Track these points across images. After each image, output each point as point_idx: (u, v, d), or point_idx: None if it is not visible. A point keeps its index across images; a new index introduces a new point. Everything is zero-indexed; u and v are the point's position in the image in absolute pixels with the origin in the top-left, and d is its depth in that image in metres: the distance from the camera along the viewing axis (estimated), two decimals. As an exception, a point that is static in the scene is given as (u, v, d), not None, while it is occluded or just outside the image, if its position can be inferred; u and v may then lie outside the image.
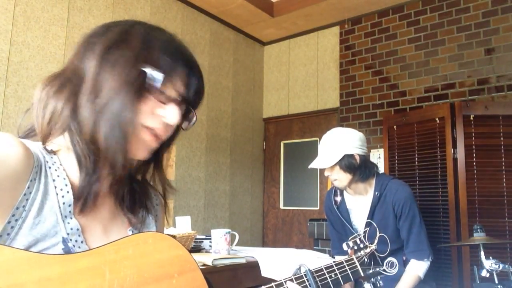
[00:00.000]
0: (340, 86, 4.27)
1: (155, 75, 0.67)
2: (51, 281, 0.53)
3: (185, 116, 0.76)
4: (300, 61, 4.64)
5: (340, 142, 2.08)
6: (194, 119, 0.77)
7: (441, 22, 3.71)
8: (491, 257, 1.88)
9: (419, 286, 2.07)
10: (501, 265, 1.84)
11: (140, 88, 0.67)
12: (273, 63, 4.88)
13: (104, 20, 2.70)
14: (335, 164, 2.07)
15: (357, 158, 2.07)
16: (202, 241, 2.12)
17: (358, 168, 2.07)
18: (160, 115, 0.70)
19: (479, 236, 2.02)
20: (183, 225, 2.03)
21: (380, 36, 4.06)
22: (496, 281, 1.85)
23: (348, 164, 2.05)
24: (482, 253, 1.92)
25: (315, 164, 2.13)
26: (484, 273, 1.88)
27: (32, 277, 0.52)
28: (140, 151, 0.71)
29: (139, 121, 0.68)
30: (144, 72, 0.67)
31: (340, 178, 2.09)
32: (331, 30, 4.43)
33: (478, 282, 1.95)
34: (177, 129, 0.76)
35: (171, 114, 0.70)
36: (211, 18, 4.26)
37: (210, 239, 2.04)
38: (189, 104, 0.74)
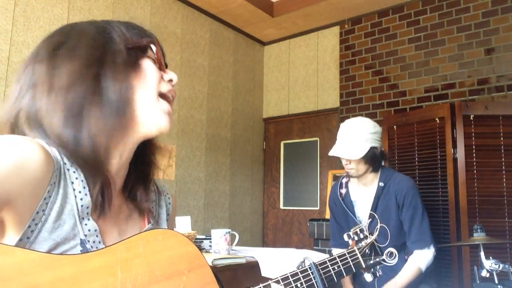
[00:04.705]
0: (340, 86, 4.27)
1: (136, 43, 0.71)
2: (64, 282, 0.53)
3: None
4: (300, 61, 4.64)
5: (367, 134, 2.09)
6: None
7: (441, 22, 3.71)
8: (491, 257, 1.88)
9: (420, 287, 2.07)
10: (501, 265, 1.83)
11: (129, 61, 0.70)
12: (273, 63, 4.88)
13: (104, 20, 2.69)
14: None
15: (378, 150, 2.11)
16: (202, 241, 2.12)
17: (377, 160, 2.11)
18: (167, 79, 0.75)
19: (479, 236, 2.01)
20: (183, 225, 2.03)
21: (380, 36, 4.06)
22: (496, 281, 1.85)
23: (372, 156, 2.08)
24: (482, 253, 1.92)
25: (340, 153, 2.09)
26: (484, 273, 1.88)
27: (45, 278, 0.51)
28: (163, 119, 0.72)
29: (156, 90, 0.72)
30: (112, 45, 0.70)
31: (359, 168, 2.11)
32: (331, 30, 4.43)
33: (478, 282, 1.94)
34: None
35: (173, 74, 0.76)
36: (211, 18, 4.26)
37: (210, 239, 2.04)
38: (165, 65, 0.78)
